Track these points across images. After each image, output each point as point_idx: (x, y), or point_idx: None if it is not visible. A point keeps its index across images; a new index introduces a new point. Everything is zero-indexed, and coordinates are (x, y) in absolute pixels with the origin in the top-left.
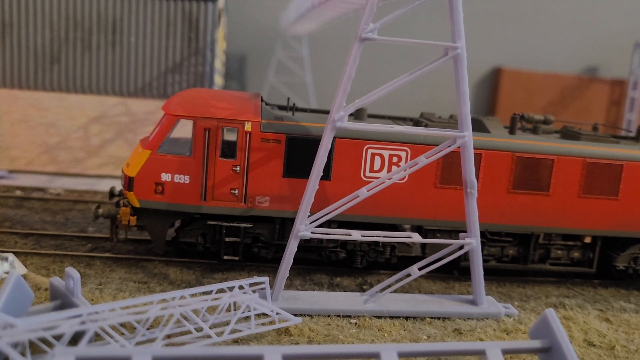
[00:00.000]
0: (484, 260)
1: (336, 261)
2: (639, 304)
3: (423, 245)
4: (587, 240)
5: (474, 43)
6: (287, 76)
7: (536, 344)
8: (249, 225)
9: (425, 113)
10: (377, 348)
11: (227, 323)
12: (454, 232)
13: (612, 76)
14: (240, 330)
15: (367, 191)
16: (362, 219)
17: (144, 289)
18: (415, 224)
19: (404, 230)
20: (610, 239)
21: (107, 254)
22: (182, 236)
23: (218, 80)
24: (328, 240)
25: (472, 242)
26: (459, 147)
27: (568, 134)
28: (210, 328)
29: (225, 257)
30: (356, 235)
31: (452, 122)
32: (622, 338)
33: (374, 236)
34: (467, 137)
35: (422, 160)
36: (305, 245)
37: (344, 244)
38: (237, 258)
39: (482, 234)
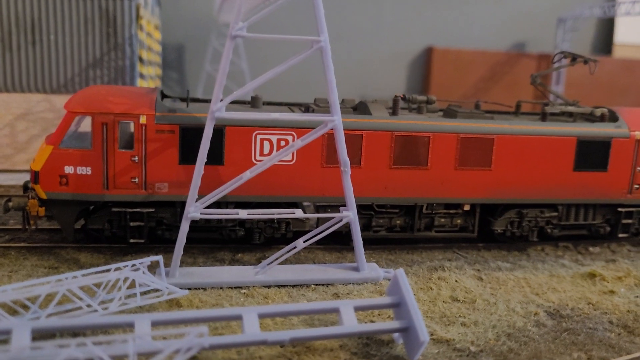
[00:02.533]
0: (375, 231)
1: (237, 239)
2: (515, 263)
3: (318, 220)
4: (467, 208)
5: (406, 24)
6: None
7: (386, 300)
8: (151, 210)
9: (318, 99)
10: (240, 311)
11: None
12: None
13: (538, 51)
14: (127, 304)
15: (250, 173)
16: (257, 199)
17: (54, 273)
18: (308, 201)
19: (305, 207)
20: (489, 205)
21: (22, 244)
22: (90, 223)
23: (150, 71)
24: (227, 220)
25: (350, 214)
26: (332, 130)
27: (448, 112)
28: (100, 304)
29: (132, 241)
30: (243, 213)
31: (341, 106)
32: (487, 293)
33: (259, 214)
34: (336, 121)
35: (298, 143)
36: (207, 226)
37: (242, 222)
38: (142, 241)
39: (370, 207)
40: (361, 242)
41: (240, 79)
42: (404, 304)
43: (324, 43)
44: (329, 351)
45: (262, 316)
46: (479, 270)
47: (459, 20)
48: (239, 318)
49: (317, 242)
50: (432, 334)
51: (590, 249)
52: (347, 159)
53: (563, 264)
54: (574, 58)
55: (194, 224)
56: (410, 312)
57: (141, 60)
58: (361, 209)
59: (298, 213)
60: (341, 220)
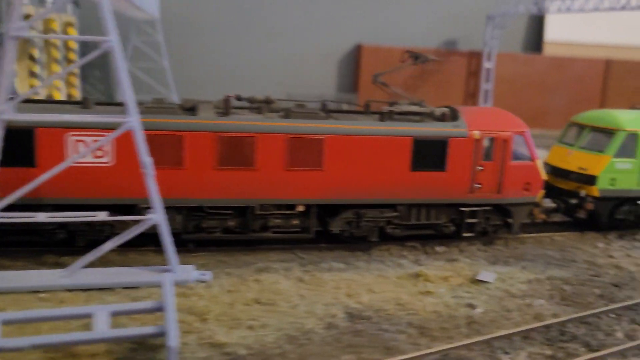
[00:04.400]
0: (208, 232)
1: (60, 241)
2: (352, 264)
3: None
4: (301, 208)
5: (336, 21)
6: (145, 62)
7: (148, 304)
8: None
9: (156, 99)
10: None
11: None
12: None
13: (469, 48)
14: None
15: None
16: (74, 201)
17: None
18: (126, 203)
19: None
20: (330, 206)
21: None
22: None
23: (57, 68)
24: (46, 223)
25: (155, 217)
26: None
27: (286, 112)
28: None
29: None
30: (41, 217)
31: (168, 107)
32: (296, 295)
33: (60, 217)
34: (132, 122)
35: (91, 145)
36: (28, 229)
37: (64, 225)
38: None
39: (199, 209)
40: (171, 244)
41: (163, 78)
42: (164, 308)
43: (112, 43)
44: (91, 357)
45: (5, 322)
46: (307, 271)
47: (389, 18)
48: None
49: (155, 244)
50: (210, 338)
51: (437, 248)
52: (149, 160)
53: (400, 264)
54: (416, 57)
55: (12, 227)
56: (166, 317)
57: (33, 58)
58: (192, 210)
59: (101, 216)
60: (149, 222)
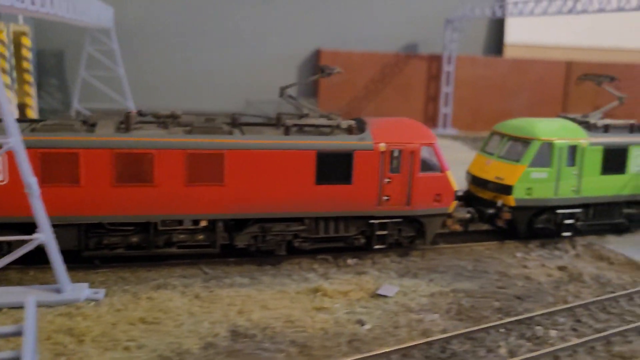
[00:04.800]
0: (111, 249)
1: None
2: (257, 278)
3: None
4: (204, 223)
5: (294, 26)
6: (101, 70)
7: (9, 329)
8: None
9: (63, 115)
10: None
11: None
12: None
13: (429, 52)
14: None
15: None
16: None
17: None
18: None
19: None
20: (238, 220)
21: None
22: None
23: (6, 79)
24: None
25: (41, 236)
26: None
27: (195, 128)
28: None
29: None
30: None
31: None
32: (186, 313)
33: None
34: (12, 143)
35: None
36: None
37: None
38: None
39: (101, 225)
40: (60, 262)
41: (119, 86)
42: (23, 332)
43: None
44: None
45: None
46: (207, 287)
47: (349, 23)
48: None
49: (68, 261)
50: None
51: (349, 261)
52: (33, 180)
53: (307, 278)
54: (322, 70)
55: None
56: (24, 341)
57: None
58: (92, 227)
59: None
60: (36, 241)
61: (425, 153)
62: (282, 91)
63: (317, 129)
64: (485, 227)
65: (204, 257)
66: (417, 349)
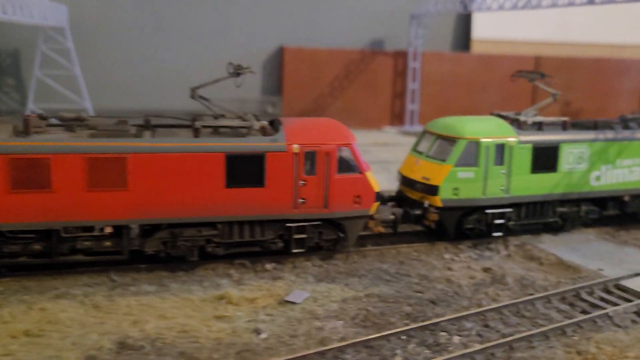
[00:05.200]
0: (11, 257)
1: None
2: (166, 285)
3: None
4: (109, 230)
5: (257, 23)
6: (56, 70)
7: None
8: None
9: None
10: None
11: None
12: None
13: (395, 48)
14: None
15: None
16: None
17: None
18: None
19: None
20: (145, 225)
21: None
22: None
23: None
24: None
25: None
26: None
27: (99, 131)
28: None
29: None
30: None
31: None
32: (77, 324)
33: None
34: None
35: None
36: None
37: None
38: None
39: (0, 233)
40: None
41: (75, 85)
42: None
43: None
44: None
45: None
46: (109, 296)
47: (313, 19)
48: None
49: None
50: None
51: (267, 265)
52: None
53: (219, 285)
54: (234, 70)
55: None
56: None
57: None
58: None
59: None
60: None
61: (342, 154)
62: (193, 92)
63: (231, 131)
64: (420, 228)
65: (116, 264)
66: (308, 359)
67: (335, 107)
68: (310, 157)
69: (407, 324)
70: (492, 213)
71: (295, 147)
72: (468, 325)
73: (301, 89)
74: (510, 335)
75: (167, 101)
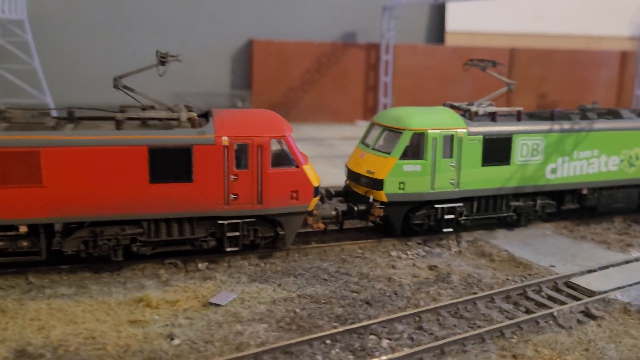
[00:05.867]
0: None
1: None
2: (85, 287)
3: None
4: (23, 229)
5: (228, 16)
6: (15, 64)
7: None
8: None
9: None
10: None
11: None
12: None
13: (367, 41)
14: None
15: None
16: None
17: None
18: None
19: None
20: (65, 224)
21: None
22: None
23: None
24: None
25: None
26: None
27: (13, 124)
28: None
29: None
30: None
31: None
32: None
33: None
34: None
35: None
36: None
37: None
38: None
39: None
40: None
41: (34, 79)
42: None
43: None
44: None
45: None
46: (19, 299)
47: (283, 11)
48: None
49: None
50: None
51: (200, 265)
52: None
53: (145, 286)
54: (162, 58)
55: None
56: None
57: None
58: None
59: None
60: None
61: (276, 147)
62: (116, 81)
63: (160, 123)
64: (369, 224)
65: (36, 264)
66: None
67: (306, 101)
68: (241, 150)
69: (335, 327)
70: (442, 208)
71: (225, 140)
72: (400, 327)
73: (271, 82)
74: (444, 338)
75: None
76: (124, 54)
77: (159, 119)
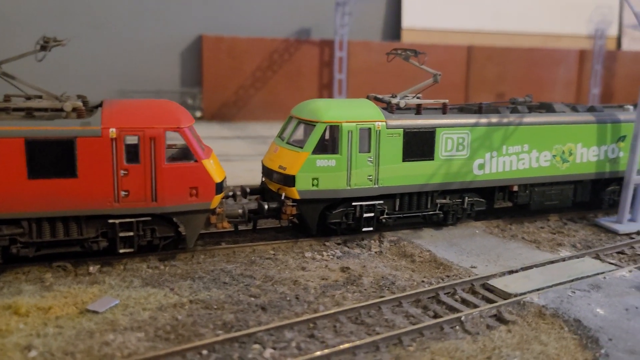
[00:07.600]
0: None
1: None
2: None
3: None
4: None
5: (174, 11)
6: None
7: None
8: None
9: None
10: None
11: None
12: None
13: (321, 37)
14: None
15: None
16: None
17: None
18: None
19: None
20: None
21: None
22: None
23: None
24: None
25: None
26: None
27: None
28: None
29: None
30: None
31: None
32: None
33: None
34: None
35: None
36: None
37: None
38: None
39: None
40: None
41: None
42: None
43: None
44: None
45: None
46: None
47: (233, 6)
48: None
49: None
50: None
51: (90, 268)
52: None
53: (22, 291)
54: (44, 44)
55: None
56: None
57: None
58: None
59: None
60: None
61: (173, 139)
62: None
63: (45, 114)
64: (286, 224)
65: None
66: None
67: (258, 99)
68: (131, 142)
69: (217, 335)
70: (360, 206)
71: (113, 132)
72: (289, 335)
73: (222, 80)
74: (337, 345)
75: (75, 91)
76: (65, 49)
77: (43, 109)
